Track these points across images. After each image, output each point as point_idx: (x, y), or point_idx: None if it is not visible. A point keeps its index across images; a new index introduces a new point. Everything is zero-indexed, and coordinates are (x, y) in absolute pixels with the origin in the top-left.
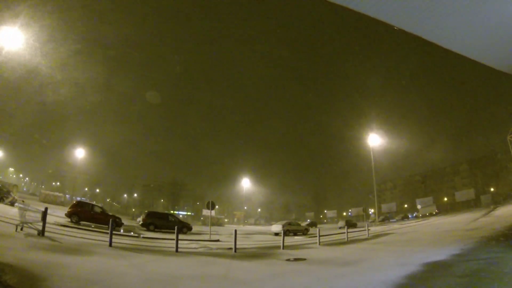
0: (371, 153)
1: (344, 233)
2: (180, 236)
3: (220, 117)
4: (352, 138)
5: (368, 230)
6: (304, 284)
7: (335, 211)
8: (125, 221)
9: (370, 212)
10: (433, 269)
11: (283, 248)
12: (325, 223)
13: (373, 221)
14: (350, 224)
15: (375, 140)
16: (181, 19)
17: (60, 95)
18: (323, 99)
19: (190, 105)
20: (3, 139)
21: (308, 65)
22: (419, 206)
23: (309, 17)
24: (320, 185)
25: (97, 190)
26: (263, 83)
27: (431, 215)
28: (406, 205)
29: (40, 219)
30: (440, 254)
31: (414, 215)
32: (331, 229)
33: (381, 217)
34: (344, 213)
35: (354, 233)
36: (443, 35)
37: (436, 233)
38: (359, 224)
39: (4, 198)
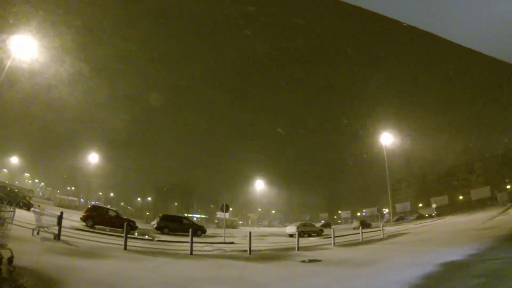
0: (384, 152)
1: (359, 233)
2: (195, 239)
3: (232, 118)
4: (364, 136)
5: (383, 230)
6: (320, 285)
7: (349, 211)
8: (140, 225)
9: (385, 212)
10: (449, 269)
11: (298, 250)
12: (339, 223)
13: (388, 221)
14: (365, 224)
15: (387, 138)
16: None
17: (74, 102)
18: (333, 97)
19: (203, 106)
20: (18, 146)
21: (321, 65)
22: (434, 205)
23: (324, 19)
24: (334, 186)
25: (111, 194)
26: (273, 82)
27: (437, 216)
28: (420, 204)
29: (55, 223)
30: (456, 254)
31: (429, 214)
32: (346, 230)
33: (396, 217)
34: (358, 214)
35: (369, 234)
36: (454, 30)
37: (452, 233)
38: (373, 224)
39: (21, 203)
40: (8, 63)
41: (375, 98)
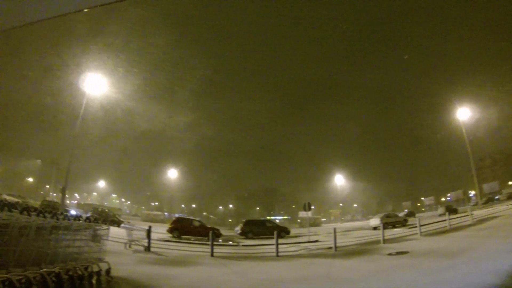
0: (463, 128)
1: (445, 220)
2: (279, 241)
3: (309, 116)
4: (441, 112)
5: (471, 214)
6: (410, 278)
7: (432, 197)
8: (224, 232)
9: (471, 195)
10: None
11: (383, 242)
12: (423, 211)
13: (476, 204)
14: (451, 209)
15: (466, 113)
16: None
17: (152, 127)
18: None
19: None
20: (104, 171)
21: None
22: None
23: None
24: (413, 171)
25: (193, 205)
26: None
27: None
28: (510, 183)
29: (145, 236)
30: None
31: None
32: (431, 217)
33: (484, 199)
34: (443, 199)
35: (456, 220)
36: None
37: None
38: (460, 209)
39: (111, 221)
40: (85, 98)
41: (453, 70)
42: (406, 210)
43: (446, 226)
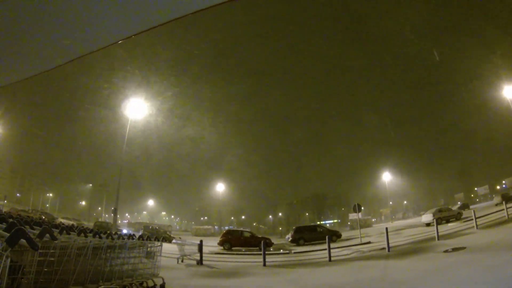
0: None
1: (503, 209)
2: (331, 245)
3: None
4: (487, 92)
5: None
6: (469, 276)
7: (486, 186)
8: (274, 240)
9: None
10: None
11: (438, 239)
12: (477, 202)
13: None
14: (508, 198)
15: None
16: None
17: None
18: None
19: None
20: (152, 190)
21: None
22: None
23: None
24: (464, 161)
25: (243, 217)
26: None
27: None
28: None
29: (197, 250)
30: None
31: None
32: (487, 208)
33: None
34: (498, 187)
35: None
36: None
37: None
38: None
39: (163, 238)
40: (128, 123)
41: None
42: (459, 203)
43: (504, 216)
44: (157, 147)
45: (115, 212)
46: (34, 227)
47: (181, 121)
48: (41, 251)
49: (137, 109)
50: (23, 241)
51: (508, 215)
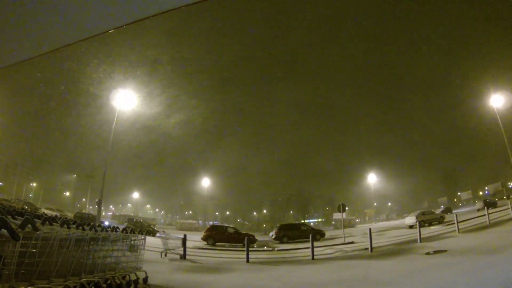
0: (498, 116)
1: (485, 215)
2: (314, 243)
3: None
4: (474, 100)
5: None
6: (449, 278)
7: (469, 191)
8: (258, 237)
9: (511, 186)
10: None
11: (420, 241)
12: (460, 207)
13: None
14: (489, 204)
15: (500, 100)
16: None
17: (184, 141)
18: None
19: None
20: (137, 183)
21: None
22: None
23: None
24: (447, 165)
25: (227, 213)
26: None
27: None
28: None
29: (180, 245)
30: None
31: None
32: (469, 213)
33: None
34: (481, 192)
35: (495, 214)
36: None
37: None
38: (499, 203)
39: (147, 231)
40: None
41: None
42: (442, 207)
43: (485, 222)
44: (144, 139)
45: (99, 204)
46: (16, 217)
47: (170, 112)
48: (22, 242)
49: (125, 99)
50: (4, 231)
51: (489, 220)
